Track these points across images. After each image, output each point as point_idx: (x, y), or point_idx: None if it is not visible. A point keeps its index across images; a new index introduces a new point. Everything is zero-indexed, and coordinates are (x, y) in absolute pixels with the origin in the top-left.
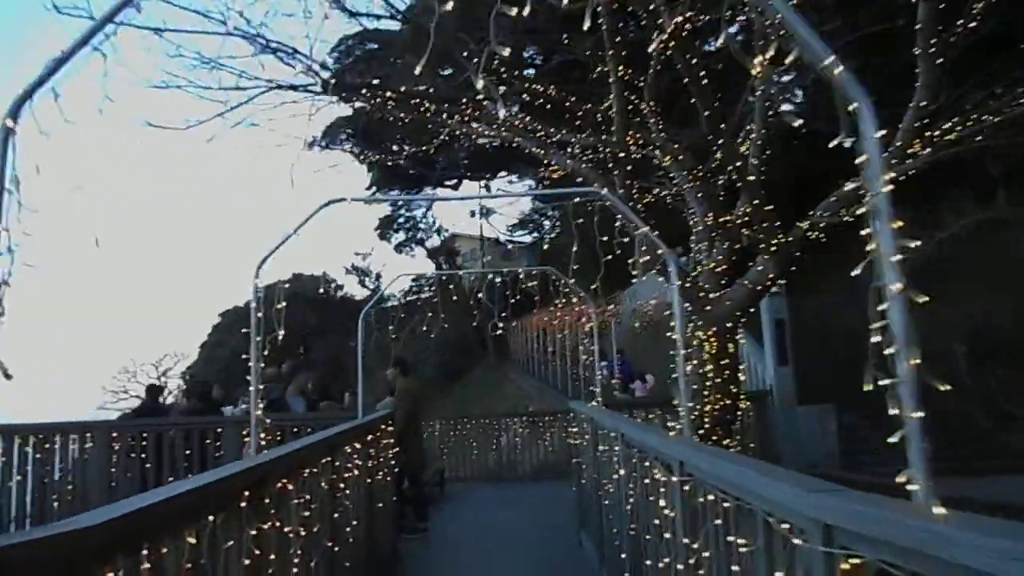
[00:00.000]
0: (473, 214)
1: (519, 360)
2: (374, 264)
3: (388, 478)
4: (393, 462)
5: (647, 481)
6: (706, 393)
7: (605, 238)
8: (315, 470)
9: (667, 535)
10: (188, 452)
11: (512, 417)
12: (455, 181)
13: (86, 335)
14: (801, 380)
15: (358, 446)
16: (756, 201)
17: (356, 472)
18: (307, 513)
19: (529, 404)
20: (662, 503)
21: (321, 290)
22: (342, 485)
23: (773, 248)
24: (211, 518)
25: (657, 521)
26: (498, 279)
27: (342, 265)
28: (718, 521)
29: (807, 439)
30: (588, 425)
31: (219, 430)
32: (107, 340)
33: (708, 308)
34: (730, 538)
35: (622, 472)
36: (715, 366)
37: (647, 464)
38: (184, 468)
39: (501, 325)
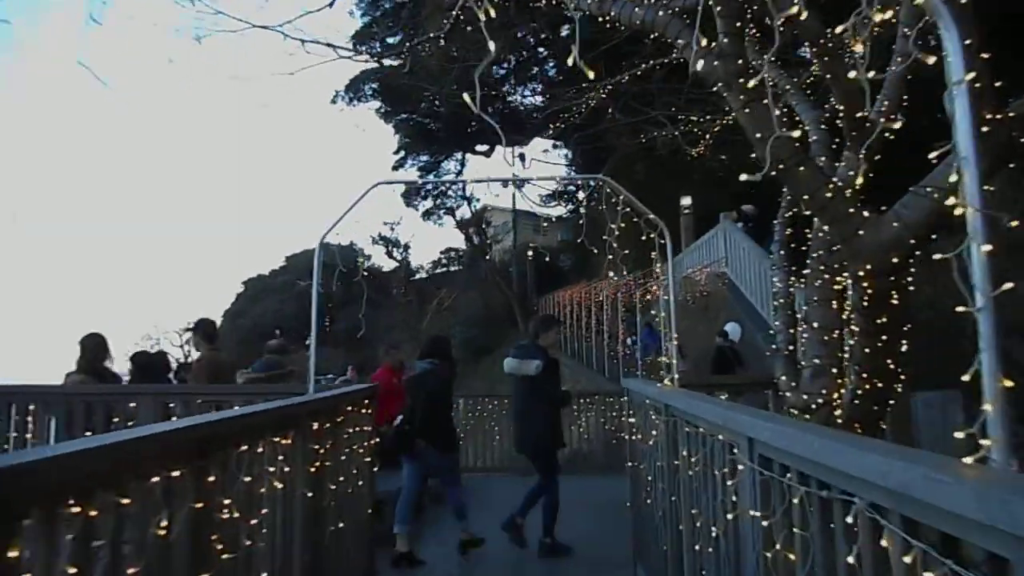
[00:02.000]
0: (505, 184)
1: None
2: (402, 235)
3: (360, 482)
4: (368, 459)
5: (849, 560)
6: (836, 371)
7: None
8: (150, 492)
9: None
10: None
11: None
12: (487, 148)
13: (114, 299)
14: None
15: (285, 441)
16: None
17: (280, 485)
18: None
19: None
20: None
21: (359, 261)
22: (236, 514)
23: (985, 128)
24: None
25: None
26: (530, 251)
27: (369, 235)
28: None
29: (926, 433)
30: (658, 416)
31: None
32: (137, 304)
33: (860, 233)
34: None
35: (758, 516)
36: (866, 328)
37: (851, 519)
38: None
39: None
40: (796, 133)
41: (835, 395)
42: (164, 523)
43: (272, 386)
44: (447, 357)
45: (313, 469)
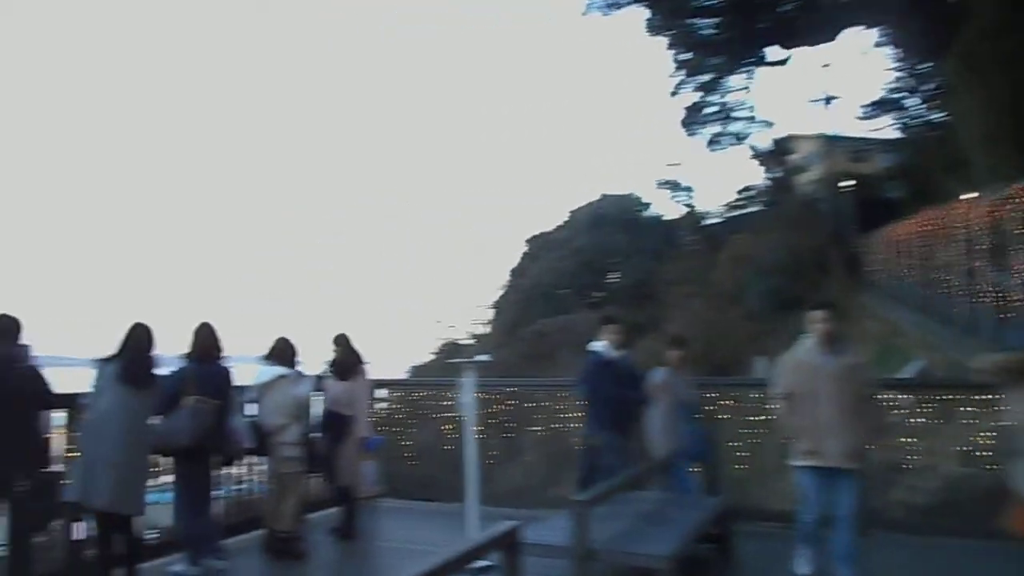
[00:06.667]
0: (812, 103)
1: (881, 284)
2: (688, 176)
3: None
4: None
5: None
6: None
7: None
8: None
9: None
10: None
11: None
12: (786, 56)
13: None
14: None
15: None
16: None
17: None
18: None
19: (911, 350)
20: None
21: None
22: None
23: None
24: None
25: None
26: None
27: (653, 180)
28: None
29: None
30: None
31: None
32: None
33: None
34: None
35: None
36: None
37: None
38: None
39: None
40: None
41: None
42: None
43: None
44: None
45: None
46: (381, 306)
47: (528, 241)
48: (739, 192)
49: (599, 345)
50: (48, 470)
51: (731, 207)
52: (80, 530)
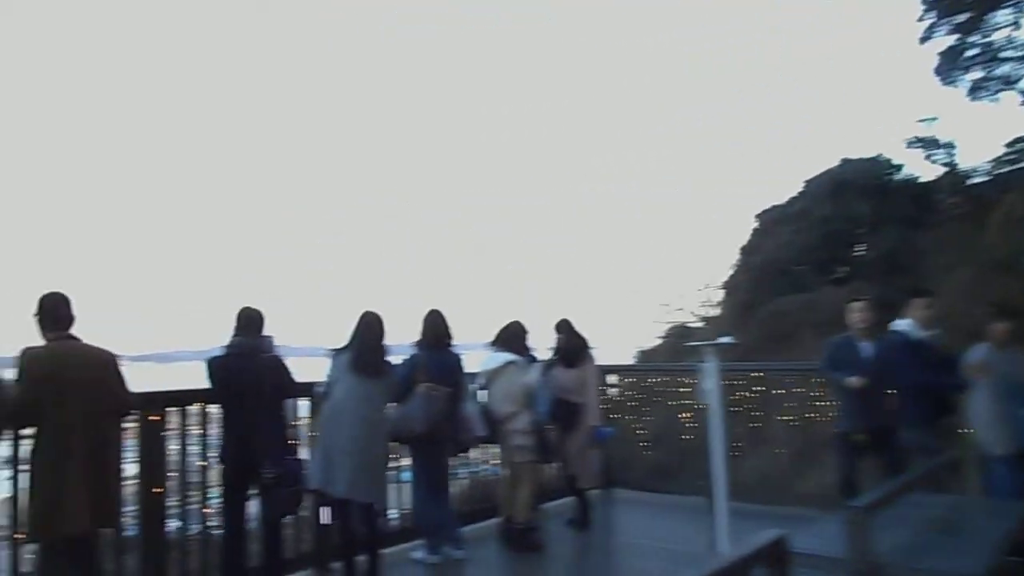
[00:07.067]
0: None
1: None
2: (944, 133)
3: None
4: None
5: None
6: None
7: None
8: None
9: None
10: None
11: None
12: None
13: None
14: None
15: None
16: None
17: None
18: None
19: None
20: None
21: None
22: None
23: None
24: None
25: None
26: None
27: (902, 139)
28: None
29: None
30: None
31: None
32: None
33: None
34: None
35: None
36: None
37: None
38: None
39: None
40: None
41: None
42: None
43: None
44: None
45: None
46: (603, 291)
47: (758, 216)
48: (1009, 145)
49: (903, 323)
50: (293, 457)
51: (1001, 162)
52: (325, 515)
